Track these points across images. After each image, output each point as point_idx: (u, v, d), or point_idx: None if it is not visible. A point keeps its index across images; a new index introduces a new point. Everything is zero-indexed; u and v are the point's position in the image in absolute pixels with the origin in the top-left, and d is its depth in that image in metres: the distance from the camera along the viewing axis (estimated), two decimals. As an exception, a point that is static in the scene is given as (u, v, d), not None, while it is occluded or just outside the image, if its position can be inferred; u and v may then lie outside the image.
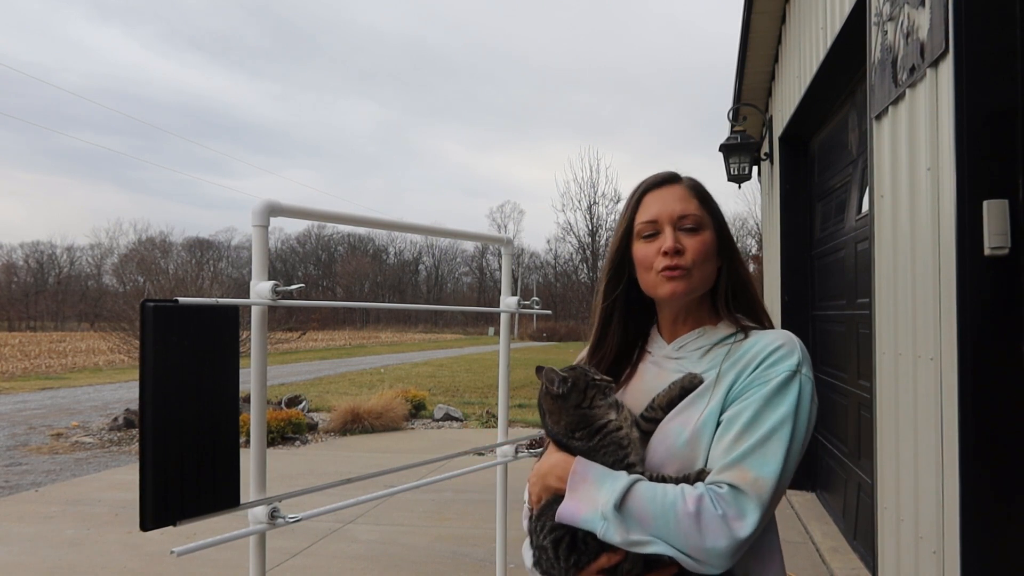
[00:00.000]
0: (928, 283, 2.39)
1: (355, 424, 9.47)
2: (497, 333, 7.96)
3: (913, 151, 2.57)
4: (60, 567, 4.40)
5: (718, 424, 1.16)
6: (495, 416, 10.23)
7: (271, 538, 2.09)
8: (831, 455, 5.05)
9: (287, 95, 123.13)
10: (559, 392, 1.20)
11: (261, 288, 1.82)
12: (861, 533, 4.16)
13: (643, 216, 1.29)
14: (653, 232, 1.27)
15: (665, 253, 1.24)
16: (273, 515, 1.85)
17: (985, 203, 2.03)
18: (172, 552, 1.61)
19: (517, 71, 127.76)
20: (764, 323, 1.30)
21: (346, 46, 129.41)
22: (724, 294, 1.30)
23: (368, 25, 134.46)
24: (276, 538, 4.49)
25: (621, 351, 1.36)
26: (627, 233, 1.32)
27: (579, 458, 1.17)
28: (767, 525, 1.16)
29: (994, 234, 2.01)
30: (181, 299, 1.63)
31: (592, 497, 1.11)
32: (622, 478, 1.11)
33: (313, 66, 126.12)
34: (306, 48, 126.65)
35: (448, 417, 10.61)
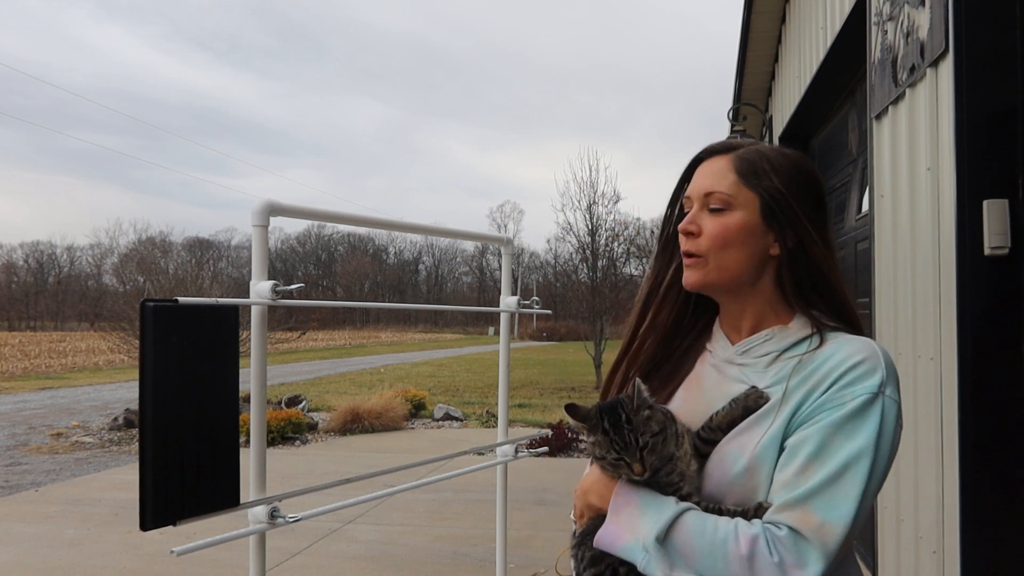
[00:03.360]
0: (928, 283, 2.39)
1: (355, 424, 9.47)
2: (497, 333, 7.96)
3: (913, 151, 2.57)
4: (60, 567, 4.40)
5: (781, 450, 1.00)
6: (495, 416, 10.23)
7: (271, 538, 2.10)
8: (831, 455, 5.04)
9: (291, 94, 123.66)
10: (602, 458, 1.03)
11: (261, 288, 1.82)
12: (861, 533, 4.16)
13: (688, 191, 1.16)
14: (688, 209, 1.14)
15: (682, 235, 1.12)
16: (273, 515, 1.85)
17: (985, 203, 2.03)
18: (172, 552, 1.62)
19: (522, 71, 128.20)
20: (850, 322, 1.11)
21: (351, 45, 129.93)
22: (790, 284, 1.10)
23: (373, 24, 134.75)
24: (276, 538, 4.49)
25: (669, 333, 1.20)
26: (673, 206, 1.19)
27: (624, 479, 1.04)
28: (846, 564, 1.03)
29: (994, 234, 2.01)
30: (181, 299, 1.63)
31: (634, 524, 0.99)
32: (669, 506, 0.98)
33: (318, 65, 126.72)
34: (311, 47, 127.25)
35: (448, 417, 10.61)
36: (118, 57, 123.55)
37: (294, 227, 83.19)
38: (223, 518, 1.76)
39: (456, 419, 10.59)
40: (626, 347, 1.23)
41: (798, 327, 1.10)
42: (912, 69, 2.51)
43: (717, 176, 1.11)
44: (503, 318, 2.84)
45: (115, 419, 10.00)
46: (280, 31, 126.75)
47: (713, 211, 1.10)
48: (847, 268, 4.55)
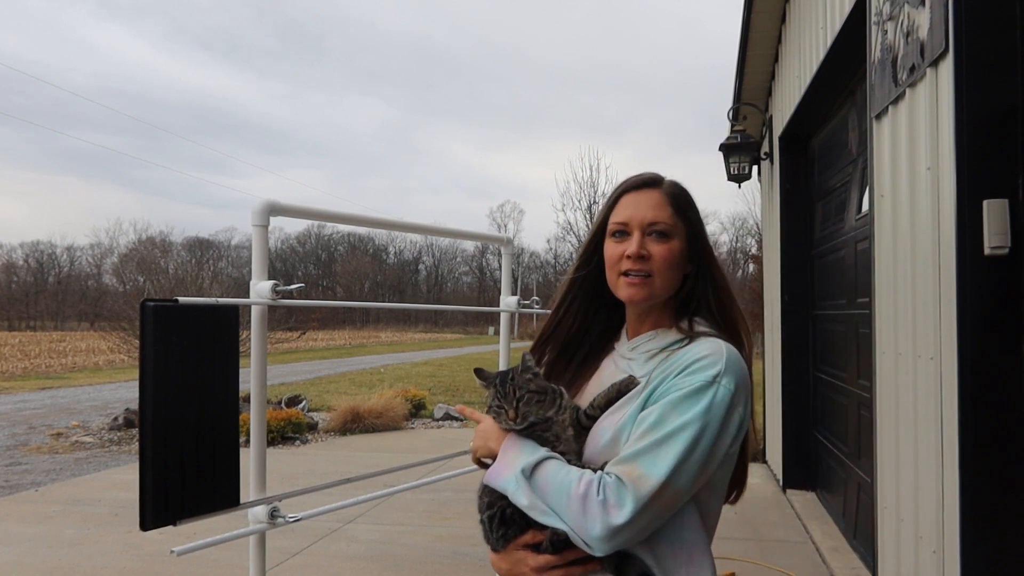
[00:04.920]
0: (928, 283, 2.39)
1: (355, 424, 9.47)
2: (497, 333, 7.95)
3: (913, 151, 2.57)
4: (60, 567, 4.40)
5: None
6: (495, 416, 10.21)
7: (271, 538, 2.10)
8: (831, 455, 5.05)
9: (292, 94, 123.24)
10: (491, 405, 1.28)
11: (261, 288, 1.82)
12: (861, 533, 4.16)
13: (616, 216, 1.32)
14: (623, 233, 1.31)
15: (629, 257, 1.28)
16: (273, 515, 1.85)
17: (985, 203, 2.03)
18: (172, 552, 1.62)
19: (522, 71, 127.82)
20: (738, 331, 1.31)
21: (352, 45, 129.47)
22: (684, 300, 1.33)
23: (373, 24, 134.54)
24: (276, 538, 4.49)
25: (573, 338, 1.42)
26: (601, 230, 1.36)
27: (512, 432, 1.27)
28: (691, 525, 1.20)
29: (994, 234, 2.01)
30: (181, 299, 1.63)
31: (513, 460, 1.21)
32: (541, 451, 1.21)
33: (318, 65, 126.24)
34: (311, 47, 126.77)
35: (448, 417, 10.61)
36: (118, 57, 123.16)
37: (294, 227, 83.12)
38: (223, 518, 1.76)
39: (456, 419, 10.59)
40: (546, 332, 1.46)
41: (677, 331, 1.31)
42: (912, 69, 2.52)
43: (657, 208, 1.30)
44: (503, 318, 2.84)
45: (115, 419, 10.00)
46: (280, 31, 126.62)
47: (658, 237, 1.29)
48: (847, 268, 4.55)
